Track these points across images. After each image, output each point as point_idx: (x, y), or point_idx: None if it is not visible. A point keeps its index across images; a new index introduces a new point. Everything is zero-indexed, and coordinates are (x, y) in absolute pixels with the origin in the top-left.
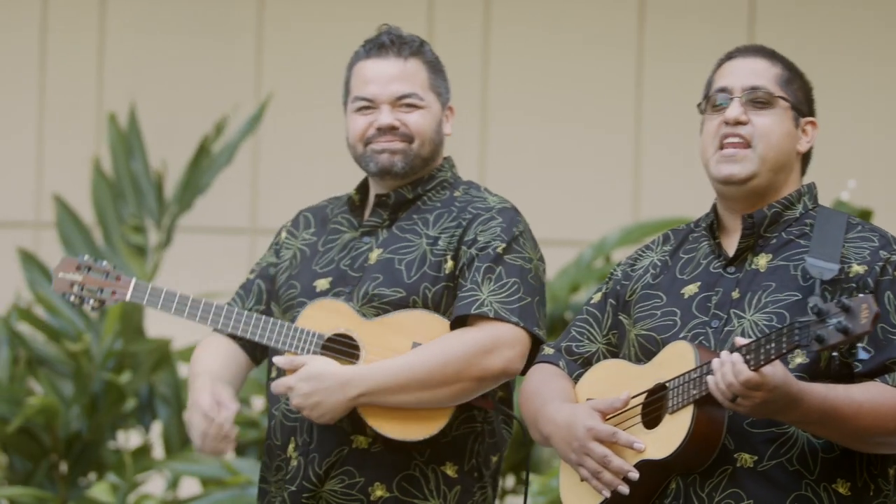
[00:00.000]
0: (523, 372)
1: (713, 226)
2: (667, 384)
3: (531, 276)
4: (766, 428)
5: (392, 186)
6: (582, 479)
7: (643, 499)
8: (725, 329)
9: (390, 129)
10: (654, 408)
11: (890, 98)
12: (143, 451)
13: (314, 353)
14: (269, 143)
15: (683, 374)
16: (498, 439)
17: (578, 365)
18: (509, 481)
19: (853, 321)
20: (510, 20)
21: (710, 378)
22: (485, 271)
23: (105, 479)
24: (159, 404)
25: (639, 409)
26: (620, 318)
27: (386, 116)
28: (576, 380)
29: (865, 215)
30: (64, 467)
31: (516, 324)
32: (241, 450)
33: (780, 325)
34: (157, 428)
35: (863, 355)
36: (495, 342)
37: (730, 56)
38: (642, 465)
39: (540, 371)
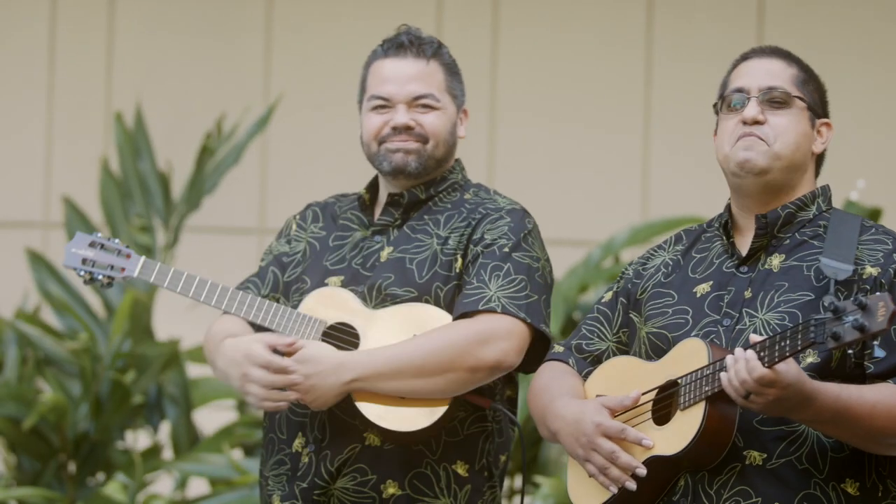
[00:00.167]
0: (532, 370)
1: (727, 225)
2: (678, 380)
3: (538, 275)
4: (775, 426)
5: (404, 186)
6: (590, 476)
7: (651, 495)
8: (737, 328)
9: (406, 129)
10: (664, 404)
11: None
12: (152, 452)
13: (314, 339)
14: (278, 143)
15: (696, 371)
16: (506, 439)
17: (588, 363)
18: (518, 481)
19: (870, 319)
20: (519, 21)
21: (723, 374)
22: (492, 269)
23: (114, 478)
24: (168, 404)
25: (649, 405)
26: (631, 316)
27: (402, 116)
28: (585, 377)
29: (875, 214)
30: (72, 467)
31: (523, 319)
32: (249, 449)
33: (791, 325)
34: (165, 428)
35: (879, 353)
36: (491, 333)
37: (745, 57)
38: (652, 462)
39: (549, 369)
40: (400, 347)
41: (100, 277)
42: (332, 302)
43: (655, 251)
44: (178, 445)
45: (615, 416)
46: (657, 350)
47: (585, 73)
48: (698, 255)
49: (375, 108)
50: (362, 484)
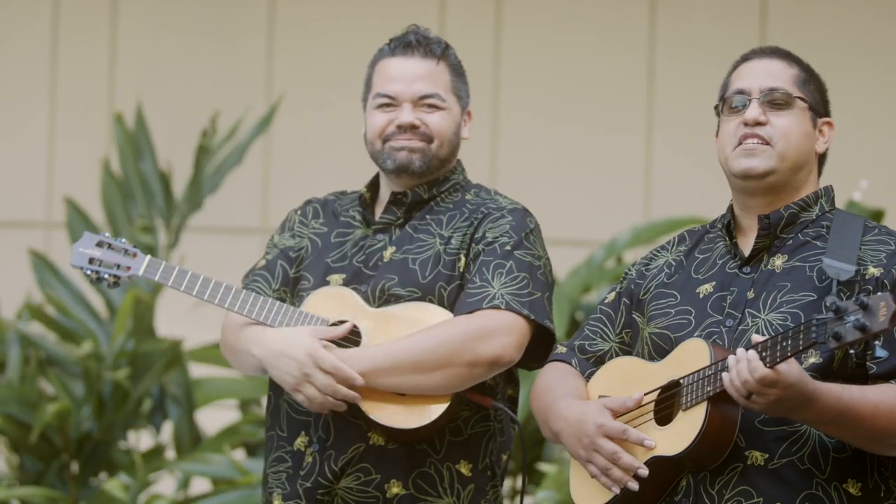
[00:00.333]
0: (536, 366)
1: (729, 225)
2: (681, 381)
3: (540, 273)
4: (777, 426)
5: (407, 185)
6: (592, 476)
7: (654, 495)
8: (739, 328)
9: (411, 128)
10: (666, 404)
11: None
12: (155, 452)
13: None
14: (280, 143)
15: (698, 371)
16: (507, 438)
17: (591, 363)
18: (519, 482)
19: (871, 319)
20: (521, 21)
21: (725, 375)
22: (495, 266)
23: (117, 478)
24: (170, 404)
25: (651, 405)
26: (634, 316)
27: (407, 115)
28: (588, 378)
29: (878, 215)
30: (75, 467)
31: (526, 316)
32: (251, 449)
33: (793, 325)
34: (167, 428)
35: (880, 353)
36: (490, 329)
37: (746, 58)
38: (654, 462)
39: (552, 369)
40: (398, 343)
41: (106, 276)
42: (334, 300)
43: (658, 252)
44: (180, 445)
45: (617, 417)
46: (660, 350)
47: (588, 73)
48: (701, 256)
49: (381, 106)
50: (366, 483)
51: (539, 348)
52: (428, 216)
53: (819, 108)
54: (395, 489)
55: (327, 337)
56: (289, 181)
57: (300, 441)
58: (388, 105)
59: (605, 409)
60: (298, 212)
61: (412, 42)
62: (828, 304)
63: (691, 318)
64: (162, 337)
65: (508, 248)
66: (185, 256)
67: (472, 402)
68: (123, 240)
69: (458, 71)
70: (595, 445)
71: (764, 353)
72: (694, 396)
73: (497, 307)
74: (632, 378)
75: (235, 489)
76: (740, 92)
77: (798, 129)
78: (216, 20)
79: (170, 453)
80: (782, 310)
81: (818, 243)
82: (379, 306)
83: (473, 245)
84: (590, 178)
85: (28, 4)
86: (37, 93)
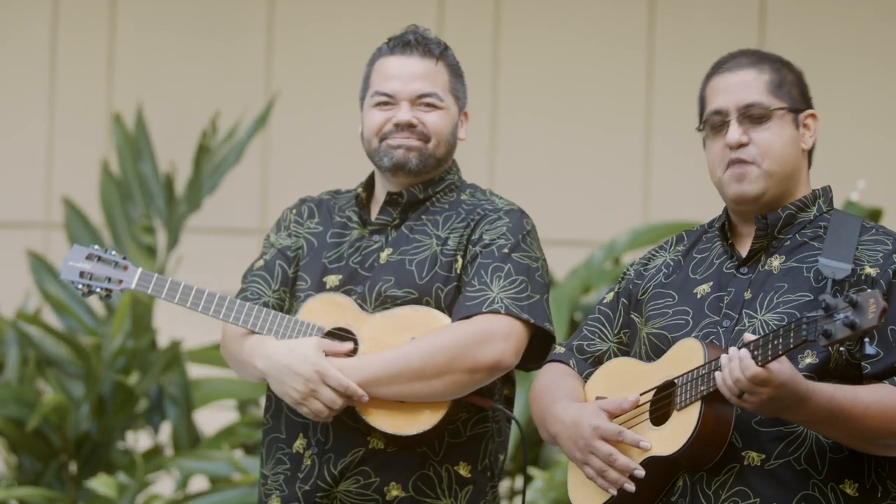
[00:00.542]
0: (535, 367)
1: (724, 227)
2: (675, 381)
3: (538, 275)
4: (774, 426)
5: (403, 184)
6: (589, 478)
7: (650, 496)
8: (736, 329)
9: (408, 126)
10: (662, 404)
11: None
12: (153, 452)
13: None
14: (279, 143)
15: (692, 371)
16: (504, 438)
17: (589, 364)
18: (518, 483)
19: (860, 316)
20: (520, 21)
21: (717, 374)
22: (493, 270)
23: (115, 478)
24: (168, 405)
25: (647, 406)
26: (632, 316)
27: (405, 113)
28: (586, 378)
29: (876, 214)
30: (73, 468)
31: (526, 321)
32: (250, 450)
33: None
34: (166, 429)
35: (869, 350)
36: (488, 334)
37: (716, 69)
38: (649, 462)
39: (550, 370)
40: (398, 351)
41: (98, 290)
42: (330, 307)
43: (657, 252)
44: (178, 446)
45: (614, 419)
46: (657, 351)
47: (586, 73)
48: (699, 256)
49: (378, 104)
50: (366, 487)
51: (537, 349)
52: (424, 217)
53: (799, 103)
54: (394, 492)
55: (330, 351)
56: (288, 181)
57: (299, 443)
58: (385, 103)
59: (601, 411)
60: (293, 211)
61: (411, 41)
62: (819, 301)
63: (689, 318)
64: (161, 338)
65: (506, 250)
66: (183, 257)
67: (473, 404)
68: (113, 252)
69: (456, 72)
70: (591, 447)
71: (756, 352)
72: (688, 396)
73: (496, 311)
74: (628, 379)
75: (234, 488)
76: (717, 112)
77: (782, 140)
78: (215, 20)
79: (168, 453)
80: (779, 310)
81: (815, 244)
82: (375, 308)
83: (470, 247)
84: (589, 178)
85: (27, 5)
86: (36, 93)
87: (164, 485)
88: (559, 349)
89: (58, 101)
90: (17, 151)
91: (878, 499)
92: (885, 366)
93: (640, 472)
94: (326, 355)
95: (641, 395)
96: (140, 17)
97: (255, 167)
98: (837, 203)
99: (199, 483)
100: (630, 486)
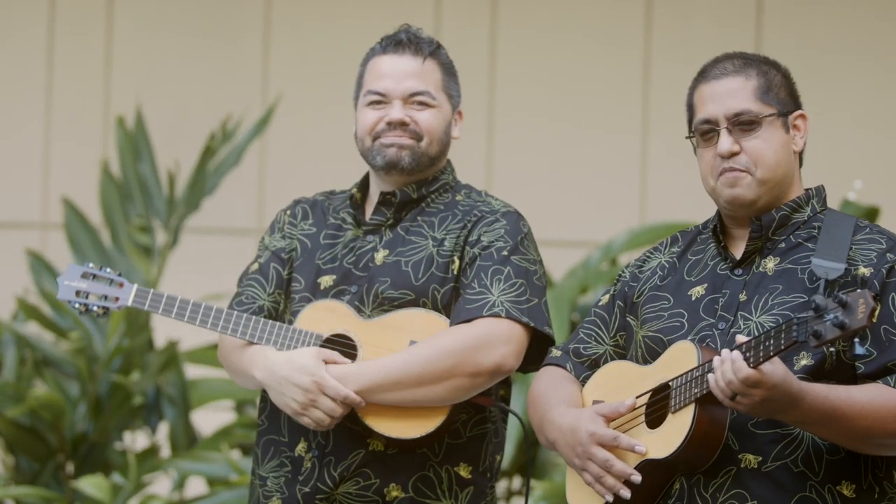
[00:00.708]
0: (533, 370)
1: (717, 229)
2: (670, 383)
3: (536, 278)
4: (770, 429)
5: (397, 183)
6: (587, 484)
7: (647, 499)
8: (732, 331)
9: (400, 125)
10: (657, 407)
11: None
12: (150, 452)
13: None
14: (277, 143)
15: (686, 373)
16: (501, 439)
17: (586, 367)
18: (515, 483)
19: (850, 316)
20: (517, 22)
21: (710, 376)
22: (492, 273)
23: (109, 479)
24: (166, 405)
25: (643, 409)
26: (628, 319)
27: (397, 111)
28: (583, 382)
29: (872, 213)
30: (70, 468)
31: (526, 324)
32: (247, 450)
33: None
34: (163, 429)
35: (859, 350)
36: (489, 338)
37: (702, 77)
38: (645, 466)
39: (547, 374)
40: (399, 357)
41: (94, 308)
42: (327, 314)
43: (652, 253)
44: (176, 446)
45: (610, 423)
46: (653, 353)
47: (584, 74)
48: (693, 258)
49: (371, 103)
50: (366, 488)
51: (536, 351)
52: (419, 218)
53: (788, 105)
54: (394, 493)
55: (329, 360)
56: (285, 182)
57: (301, 447)
58: (378, 102)
59: (597, 416)
60: (287, 212)
61: (403, 40)
62: (810, 302)
63: (684, 320)
64: (158, 337)
65: (505, 253)
66: (180, 257)
67: (474, 403)
68: (108, 269)
69: (449, 70)
70: (588, 454)
71: (748, 354)
72: (682, 398)
73: (497, 315)
74: (624, 382)
75: (231, 489)
76: (707, 122)
77: (773, 146)
78: (212, 21)
79: (165, 454)
80: (774, 312)
81: (809, 245)
82: (373, 310)
83: (468, 248)
84: (585, 178)
85: (24, 5)
86: (33, 93)
87: (160, 485)
88: (555, 352)
89: (55, 102)
90: (15, 152)
91: (876, 500)
92: (879, 366)
93: (637, 478)
94: (326, 364)
95: (637, 398)
96: (137, 18)
97: (253, 167)
98: (834, 202)
99: (196, 484)
100: (626, 493)
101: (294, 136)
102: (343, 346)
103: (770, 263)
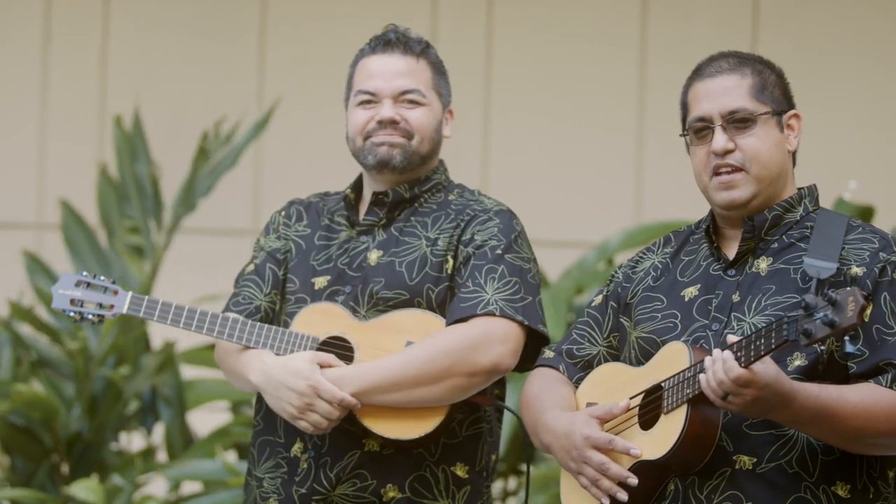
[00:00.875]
0: (522, 369)
1: (709, 230)
2: (662, 384)
3: (530, 276)
4: (765, 430)
5: (389, 182)
6: (583, 487)
7: (641, 501)
8: (725, 332)
9: (391, 123)
10: (650, 408)
11: (892, 97)
12: (146, 453)
13: None
14: (272, 144)
15: (678, 374)
16: (496, 438)
17: (579, 368)
18: (511, 483)
19: (840, 314)
20: (513, 22)
21: (701, 376)
22: (486, 271)
23: (104, 484)
24: (162, 406)
25: (636, 410)
26: (621, 320)
27: (387, 110)
28: (577, 383)
29: (867, 212)
30: (65, 468)
31: (520, 322)
32: (243, 451)
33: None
34: (159, 430)
35: (849, 349)
36: (486, 338)
37: (697, 75)
38: (639, 467)
39: (540, 376)
40: (396, 359)
41: (89, 316)
42: (323, 317)
43: (644, 254)
44: (171, 447)
45: (604, 424)
46: (647, 355)
47: (580, 74)
48: (686, 258)
49: (361, 103)
50: (362, 489)
51: (531, 350)
52: (413, 218)
53: (782, 105)
54: (391, 493)
55: (325, 363)
56: (281, 183)
57: (297, 448)
58: (368, 102)
59: (591, 419)
60: (282, 213)
61: (392, 40)
62: (800, 301)
63: (677, 321)
64: (154, 338)
65: (499, 251)
66: (176, 258)
67: (471, 403)
68: (102, 277)
69: (439, 69)
70: (584, 457)
71: (739, 354)
72: (675, 399)
73: (492, 313)
74: (618, 383)
75: (227, 489)
76: (701, 119)
77: (768, 144)
78: (208, 21)
79: (161, 455)
80: (767, 312)
81: (802, 245)
82: (368, 310)
83: (461, 247)
84: (581, 178)
85: (21, 5)
86: (29, 94)
87: (156, 486)
88: (548, 354)
89: (51, 102)
90: (11, 152)
91: (870, 500)
92: (871, 365)
93: (633, 481)
94: (322, 367)
95: (630, 399)
96: (134, 18)
97: (249, 168)
98: (830, 201)
99: (191, 484)
100: (623, 496)
101: (290, 137)
102: (339, 348)
103: (763, 264)
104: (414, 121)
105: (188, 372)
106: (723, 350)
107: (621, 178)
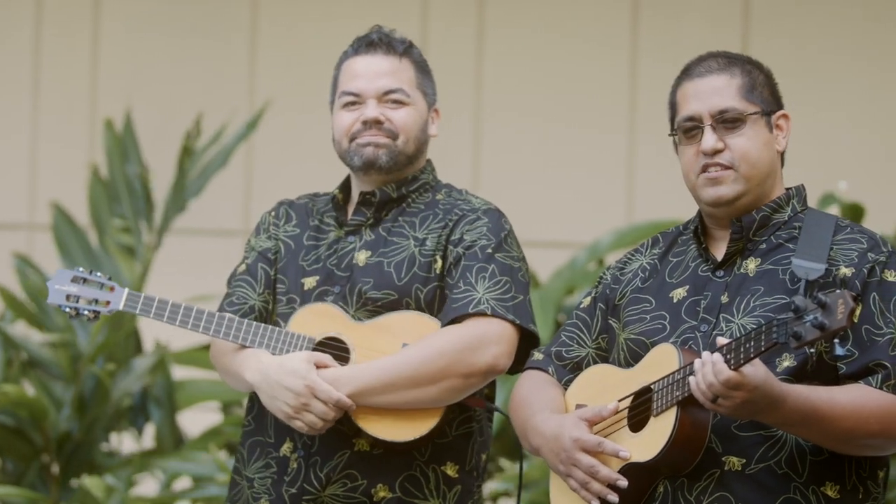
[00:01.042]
0: (513, 371)
1: (697, 230)
2: (651, 386)
3: (520, 275)
4: (754, 431)
5: (376, 183)
6: (572, 490)
7: (632, 502)
8: (714, 333)
9: (375, 123)
10: (640, 410)
11: (883, 97)
12: (143, 455)
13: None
14: (263, 145)
15: (667, 376)
16: (486, 438)
17: (568, 370)
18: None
19: (829, 317)
20: (504, 22)
21: (691, 378)
22: (477, 270)
23: (99, 477)
24: (152, 406)
25: (625, 412)
26: (610, 322)
27: (372, 110)
28: (566, 385)
29: (857, 210)
30: (56, 468)
31: (512, 321)
32: (234, 451)
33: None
34: (150, 430)
35: (839, 351)
36: (481, 338)
37: (686, 74)
38: (628, 469)
39: (529, 379)
40: (391, 360)
41: (85, 312)
42: (319, 317)
43: (633, 255)
44: (162, 447)
45: (593, 427)
46: (636, 356)
47: (570, 74)
48: (675, 260)
49: (346, 104)
50: (353, 489)
51: (520, 349)
52: (400, 218)
53: (771, 105)
54: (381, 493)
55: (321, 363)
56: (272, 184)
57: (286, 447)
58: (353, 103)
59: (580, 421)
60: (272, 213)
61: (375, 40)
62: (790, 304)
63: (666, 323)
64: (145, 338)
65: (489, 251)
66: (167, 258)
67: (467, 405)
68: (98, 273)
69: (422, 68)
70: (573, 460)
71: (728, 356)
72: (664, 401)
73: (483, 312)
74: (607, 385)
75: (219, 487)
76: (690, 118)
77: (757, 144)
78: (199, 22)
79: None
80: (756, 314)
81: (790, 245)
82: (357, 310)
83: (451, 247)
84: (572, 178)
85: (11, 7)
86: (20, 95)
87: (147, 486)
88: (537, 356)
89: (42, 104)
90: (1, 153)
91: (860, 500)
92: (861, 366)
93: (624, 483)
94: (318, 367)
95: (619, 401)
96: (124, 20)
97: (240, 169)
98: (820, 196)
99: (183, 483)
100: (613, 498)
101: (281, 137)
102: (336, 349)
103: (751, 265)
104: (398, 121)
105: (179, 372)
106: (712, 352)
107: (612, 178)
